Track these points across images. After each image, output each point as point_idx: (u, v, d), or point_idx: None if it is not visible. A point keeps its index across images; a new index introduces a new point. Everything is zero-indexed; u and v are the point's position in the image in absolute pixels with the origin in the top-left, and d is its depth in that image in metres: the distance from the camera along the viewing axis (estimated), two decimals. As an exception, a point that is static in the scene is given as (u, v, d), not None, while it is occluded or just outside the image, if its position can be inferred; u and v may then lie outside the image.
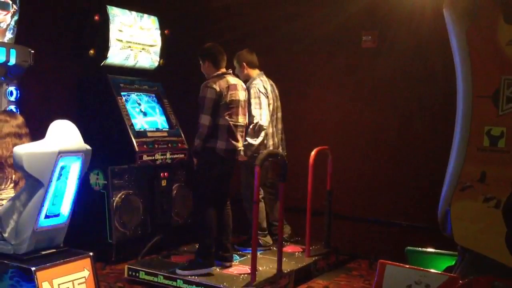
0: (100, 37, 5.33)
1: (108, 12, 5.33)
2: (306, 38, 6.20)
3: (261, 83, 5.32)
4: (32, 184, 3.48)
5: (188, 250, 5.32)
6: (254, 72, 5.41)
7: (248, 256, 4.78)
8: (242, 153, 4.91)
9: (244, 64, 5.37)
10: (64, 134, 3.58)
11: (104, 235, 5.22)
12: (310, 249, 5.27)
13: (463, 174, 3.68)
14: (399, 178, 5.74)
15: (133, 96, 5.62)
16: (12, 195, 3.72)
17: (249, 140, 5.08)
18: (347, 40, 6.05)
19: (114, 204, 5.24)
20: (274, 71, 5.75)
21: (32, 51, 4.45)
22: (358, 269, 5.54)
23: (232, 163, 4.81)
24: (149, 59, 5.81)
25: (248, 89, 5.11)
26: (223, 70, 4.79)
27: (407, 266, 3.59)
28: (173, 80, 6.27)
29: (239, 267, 4.80)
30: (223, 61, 4.82)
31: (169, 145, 5.64)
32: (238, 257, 5.07)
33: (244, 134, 4.91)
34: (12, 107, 4.41)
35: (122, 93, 5.46)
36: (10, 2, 4.35)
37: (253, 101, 5.14)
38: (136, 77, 5.74)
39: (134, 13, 5.61)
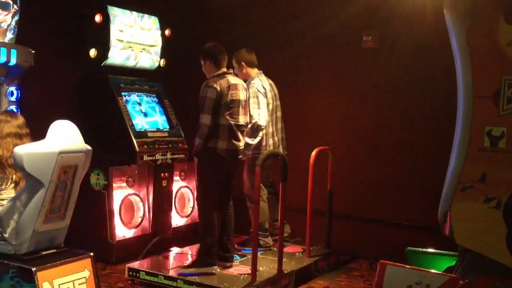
0: (100, 37, 5.34)
1: (108, 12, 5.33)
2: (306, 38, 6.20)
3: (260, 82, 5.32)
4: (33, 184, 3.48)
5: (189, 250, 5.31)
6: (253, 72, 5.41)
7: (249, 256, 4.78)
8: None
9: (243, 63, 5.37)
10: (64, 134, 3.58)
11: (104, 236, 5.22)
12: (310, 249, 5.28)
13: (463, 175, 3.68)
14: (400, 178, 5.74)
15: (134, 96, 5.62)
16: (13, 195, 3.72)
17: (247, 139, 5.09)
18: (347, 40, 6.05)
19: (115, 204, 5.24)
20: (274, 71, 5.75)
21: (33, 52, 4.46)
22: (359, 269, 5.54)
23: (234, 164, 4.81)
24: (150, 59, 5.81)
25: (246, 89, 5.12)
26: (224, 69, 4.80)
27: (408, 266, 3.59)
28: (174, 80, 6.27)
29: (239, 267, 4.80)
30: (224, 60, 4.82)
31: (170, 145, 5.64)
32: (238, 257, 5.07)
33: (245, 133, 4.91)
34: (13, 107, 4.42)
35: (122, 93, 5.46)
36: (11, 2, 4.36)
37: (251, 100, 5.14)
38: (136, 77, 5.74)
39: (134, 13, 5.61)
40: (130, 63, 5.62)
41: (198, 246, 5.10)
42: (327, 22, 5.92)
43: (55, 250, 3.71)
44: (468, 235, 3.66)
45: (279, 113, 5.55)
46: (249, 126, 5.11)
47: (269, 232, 5.42)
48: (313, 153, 5.25)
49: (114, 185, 5.24)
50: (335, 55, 6.13)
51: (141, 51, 5.69)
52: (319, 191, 5.32)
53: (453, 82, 3.85)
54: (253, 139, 5.14)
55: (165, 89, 5.99)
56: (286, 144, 5.64)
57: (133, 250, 5.28)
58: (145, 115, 5.64)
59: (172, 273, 4.63)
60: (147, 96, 5.79)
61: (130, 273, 4.77)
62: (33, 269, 3.40)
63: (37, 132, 3.77)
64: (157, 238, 5.48)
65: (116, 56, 5.44)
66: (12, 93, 4.43)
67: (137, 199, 5.45)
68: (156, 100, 5.88)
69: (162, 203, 5.67)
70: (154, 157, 5.43)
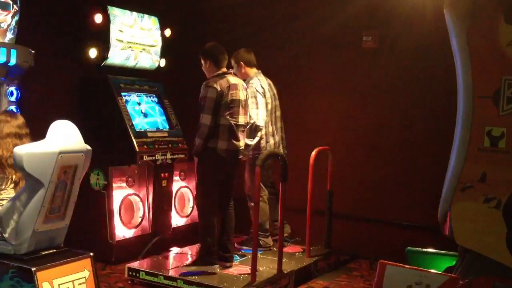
0: (100, 37, 5.34)
1: (108, 12, 5.34)
2: (306, 38, 6.20)
3: (259, 82, 5.32)
4: (33, 184, 3.48)
5: (189, 250, 5.31)
6: (252, 71, 5.41)
7: (249, 256, 4.78)
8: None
9: (242, 63, 5.37)
10: (64, 135, 3.58)
11: (104, 235, 5.22)
12: (310, 249, 5.27)
13: (463, 175, 3.68)
14: (400, 178, 5.74)
15: (134, 96, 5.62)
16: (13, 195, 3.72)
17: (246, 140, 5.08)
18: (347, 40, 6.05)
19: (115, 204, 5.24)
20: (274, 71, 5.75)
21: (33, 52, 4.46)
22: (359, 269, 5.54)
23: (234, 164, 4.81)
24: (150, 59, 5.81)
25: None
26: (224, 69, 4.80)
27: (408, 266, 3.59)
28: (174, 80, 6.27)
29: (239, 267, 4.80)
30: (224, 60, 4.83)
31: (170, 145, 5.64)
32: (238, 257, 5.07)
33: (245, 133, 4.91)
34: (13, 107, 4.42)
35: (122, 94, 5.46)
36: (11, 3, 4.36)
37: (249, 100, 5.13)
38: (136, 78, 5.74)
39: (134, 13, 5.61)
40: (130, 63, 5.62)
41: (198, 246, 5.11)
42: (327, 22, 5.92)
43: (55, 250, 3.71)
44: (468, 235, 3.66)
45: (278, 113, 5.55)
46: (247, 126, 5.11)
47: (269, 233, 5.42)
48: (313, 153, 5.25)
49: (114, 185, 5.24)
50: (335, 55, 6.13)
51: (141, 51, 5.69)
52: (319, 191, 5.32)
53: (453, 82, 3.85)
54: (251, 139, 5.14)
55: (165, 89, 5.99)
56: (286, 143, 5.64)
57: (133, 250, 5.28)
58: (145, 115, 5.64)
59: (172, 273, 4.63)
60: (147, 96, 5.79)
61: (130, 273, 4.77)
62: (33, 269, 3.40)
63: (37, 132, 3.78)
64: (157, 238, 5.48)
65: (116, 56, 5.44)
66: (12, 93, 4.43)
67: (137, 199, 5.45)
68: (156, 100, 5.88)
69: (162, 203, 5.67)
70: (154, 157, 5.43)
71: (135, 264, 4.87)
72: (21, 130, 3.86)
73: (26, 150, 3.43)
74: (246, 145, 5.06)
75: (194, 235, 5.49)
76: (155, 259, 5.08)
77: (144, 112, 5.64)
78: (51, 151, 3.47)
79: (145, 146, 5.35)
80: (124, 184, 5.34)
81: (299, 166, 5.46)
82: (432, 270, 3.56)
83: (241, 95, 4.78)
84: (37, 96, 5.06)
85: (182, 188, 5.96)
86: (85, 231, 5.07)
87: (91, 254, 3.76)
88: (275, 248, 5.11)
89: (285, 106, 5.71)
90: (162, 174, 5.63)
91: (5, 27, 4.34)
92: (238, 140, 4.73)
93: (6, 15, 4.32)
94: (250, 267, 4.43)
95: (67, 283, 3.55)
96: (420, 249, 4.29)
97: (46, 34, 5.22)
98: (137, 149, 5.27)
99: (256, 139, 5.18)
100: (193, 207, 5.98)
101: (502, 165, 3.60)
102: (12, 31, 4.38)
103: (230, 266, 4.80)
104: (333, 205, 5.50)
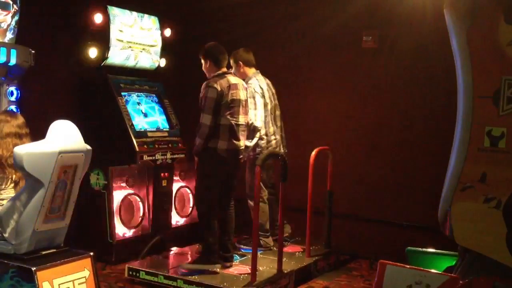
0: (100, 37, 5.34)
1: (108, 12, 5.34)
2: (306, 38, 6.20)
3: (257, 82, 5.31)
4: (33, 184, 3.48)
5: (189, 250, 5.31)
6: (250, 71, 5.40)
7: (249, 256, 4.77)
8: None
9: (241, 63, 5.36)
10: (64, 134, 3.58)
11: (104, 235, 5.22)
12: (310, 249, 5.27)
13: (463, 175, 3.68)
14: (400, 178, 5.74)
15: (134, 96, 5.63)
16: (13, 195, 3.72)
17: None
18: (347, 40, 6.05)
19: (115, 204, 5.24)
20: (274, 71, 5.75)
21: (33, 51, 4.46)
22: (359, 269, 5.54)
23: (234, 163, 4.81)
24: (150, 59, 5.82)
25: None
26: (224, 69, 4.80)
27: (408, 266, 3.59)
28: (174, 80, 6.27)
29: (239, 267, 4.80)
30: (224, 60, 4.82)
31: (170, 145, 5.64)
32: (238, 257, 5.07)
33: (245, 133, 4.91)
34: (13, 107, 4.42)
35: (122, 93, 5.47)
36: (11, 2, 4.36)
37: (248, 101, 5.12)
38: (136, 77, 5.74)
39: (134, 13, 5.61)
40: (130, 63, 5.62)
41: (199, 246, 5.11)
42: (327, 22, 5.92)
43: (55, 250, 3.71)
44: (468, 235, 3.66)
45: (278, 112, 5.54)
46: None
47: (270, 233, 5.42)
48: (313, 153, 5.25)
49: (114, 185, 5.24)
50: (335, 55, 6.13)
51: (141, 51, 5.69)
52: (319, 191, 5.32)
53: (453, 82, 3.85)
54: (250, 140, 5.12)
55: (165, 89, 5.99)
56: (286, 143, 5.63)
57: (133, 250, 5.28)
58: (145, 115, 5.64)
59: (172, 273, 4.62)
60: (147, 96, 5.80)
61: (130, 272, 4.77)
62: (33, 268, 3.40)
63: (37, 132, 3.78)
64: (157, 238, 5.48)
65: (116, 56, 5.44)
66: (12, 93, 4.43)
67: (137, 199, 5.45)
68: (156, 100, 5.89)
69: (162, 203, 5.67)
70: (154, 157, 5.43)
71: (135, 264, 4.87)
72: (21, 130, 3.86)
73: (26, 150, 3.43)
74: (245, 146, 5.06)
75: (194, 235, 5.49)
76: (155, 259, 5.08)
77: (144, 112, 5.64)
78: (51, 151, 3.47)
79: (145, 146, 5.36)
80: (124, 184, 5.34)
81: (299, 166, 5.46)
82: (432, 270, 3.55)
83: (242, 95, 4.78)
84: (37, 96, 5.07)
85: (182, 188, 5.96)
86: (85, 231, 5.07)
87: (91, 253, 3.76)
88: (275, 248, 5.11)
89: (285, 106, 5.71)
90: (162, 174, 5.63)
91: (5, 27, 4.34)
92: (238, 140, 4.73)
93: (6, 15, 4.33)
94: (250, 267, 4.43)
95: (67, 282, 3.55)
96: (420, 249, 4.29)
97: (46, 34, 5.22)
98: (137, 149, 5.27)
99: (255, 140, 5.18)
100: (193, 207, 5.98)
101: (502, 165, 3.60)
102: (12, 31, 4.39)
103: (230, 266, 4.80)
104: (333, 205, 5.50)
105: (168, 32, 5.99)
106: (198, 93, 4.69)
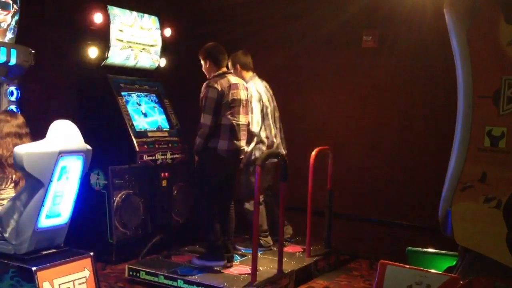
0: (100, 37, 5.33)
1: (108, 12, 5.33)
2: (306, 38, 6.20)
3: (254, 86, 5.28)
4: (33, 184, 3.48)
5: (189, 250, 5.31)
6: (248, 75, 5.37)
7: (249, 256, 4.77)
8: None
9: (238, 66, 5.33)
10: (64, 134, 3.58)
11: (104, 235, 5.22)
12: (310, 249, 5.27)
13: (463, 175, 3.68)
14: (400, 178, 5.74)
15: (134, 96, 5.62)
16: (13, 195, 3.72)
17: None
18: (347, 40, 6.05)
19: (115, 204, 5.24)
20: (274, 71, 5.75)
21: (33, 51, 4.46)
22: (359, 269, 5.54)
23: (235, 164, 4.81)
24: (150, 59, 5.81)
25: None
26: (224, 69, 4.80)
27: (408, 266, 3.59)
28: (174, 80, 6.26)
29: (239, 267, 4.80)
30: (224, 60, 4.83)
31: (170, 145, 5.64)
32: (238, 257, 5.07)
33: (246, 133, 4.90)
34: (13, 107, 4.42)
35: (122, 93, 5.46)
36: (11, 2, 4.35)
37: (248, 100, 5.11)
38: (136, 77, 5.74)
39: (134, 13, 5.61)
40: (130, 63, 5.62)
41: (199, 246, 5.11)
42: (327, 22, 5.92)
43: (55, 250, 3.71)
44: (468, 235, 3.66)
45: (277, 114, 5.53)
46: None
47: (268, 232, 5.41)
48: (313, 153, 5.25)
49: (113, 185, 5.24)
50: (335, 55, 6.12)
51: (141, 51, 5.69)
52: (319, 191, 5.32)
53: (453, 82, 3.85)
54: (247, 145, 5.09)
55: (165, 89, 5.99)
56: (286, 144, 5.63)
57: (133, 250, 5.28)
58: (145, 115, 5.64)
59: (172, 273, 4.62)
60: (147, 96, 5.79)
61: (130, 273, 4.77)
62: (33, 268, 3.40)
63: (37, 132, 3.78)
64: (157, 238, 5.48)
65: (116, 56, 5.43)
66: (12, 93, 4.43)
67: (137, 199, 5.45)
68: (156, 100, 5.88)
69: (162, 203, 5.67)
70: (154, 157, 5.43)
71: (135, 264, 4.87)
72: (21, 130, 3.86)
73: (26, 149, 3.43)
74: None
75: (194, 235, 5.49)
76: (155, 259, 5.08)
77: (144, 112, 5.64)
78: (51, 151, 3.47)
79: (145, 146, 5.35)
80: (124, 184, 5.34)
81: (299, 166, 5.46)
82: (433, 270, 3.55)
83: (242, 95, 4.78)
84: (37, 96, 5.07)
85: (182, 188, 5.96)
86: (85, 231, 5.06)
87: (91, 253, 3.77)
88: (275, 248, 5.10)
89: (285, 106, 5.71)
90: (162, 174, 5.63)
91: (5, 26, 4.33)
92: (239, 140, 4.73)
93: (6, 14, 4.32)
94: (251, 267, 4.43)
95: (67, 282, 3.55)
96: (420, 249, 4.29)
97: (46, 34, 5.22)
98: (137, 148, 5.27)
99: (252, 144, 5.16)
100: (193, 207, 5.97)
101: (502, 165, 3.60)
102: (12, 31, 4.38)
103: (231, 266, 4.80)
104: (333, 205, 5.49)
105: (168, 32, 5.99)
106: (198, 93, 4.69)
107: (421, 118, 5.68)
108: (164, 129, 5.74)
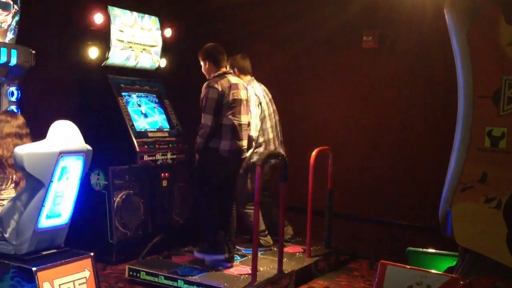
0: (101, 37, 5.34)
1: (109, 12, 5.33)
2: (306, 38, 6.20)
3: (252, 90, 5.26)
4: (33, 184, 3.48)
5: (189, 250, 5.31)
6: (245, 79, 5.35)
7: (249, 256, 4.78)
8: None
9: (236, 70, 5.31)
10: (65, 135, 3.58)
11: (105, 236, 5.23)
12: (310, 249, 5.27)
13: (464, 175, 3.68)
14: (400, 178, 5.74)
15: (134, 96, 5.63)
16: (13, 195, 3.72)
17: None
18: (347, 40, 6.05)
19: (115, 204, 5.24)
20: (274, 71, 5.75)
21: (33, 52, 4.46)
22: (359, 269, 5.54)
23: (237, 164, 4.81)
24: (150, 59, 5.81)
25: None
26: (224, 69, 4.80)
27: (408, 266, 3.59)
28: (174, 80, 6.27)
29: (240, 268, 4.81)
30: (224, 61, 4.83)
31: (170, 145, 5.64)
32: (239, 258, 5.07)
33: (248, 133, 4.90)
34: (13, 107, 4.42)
35: (123, 94, 5.47)
36: (11, 3, 4.36)
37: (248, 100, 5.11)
38: (137, 78, 5.74)
39: (135, 13, 5.61)
40: (131, 63, 5.62)
41: (199, 245, 5.11)
42: (327, 22, 5.92)
43: (55, 250, 3.71)
44: (469, 235, 3.67)
45: (277, 117, 5.53)
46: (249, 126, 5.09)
47: (267, 231, 5.41)
48: (313, 153, 5.25)
49: (114, 185, 5.24)
50: (335, 55, 6.13)
51: (142, 51, 5.69)
52: (319, 191, 5.32)
53: (453, 82, 3.85)
54: (246, 150, 5.07)
55: (165, 89, 5.99)
56: (285, 147, 5.61)
57: (133, 250, 5.28)
58: (145, 115, 5.64)
59: (172, 273, 4.62)
60: (147, 96, 5.80)
61: (131, 273, 4.77)
62: (34, 269, 3.40)
63: (37, 132, 3.78)
64: (158, 238, 5.48)
65: (117, 56, 5.44)
66: (12, 93, 4.43)
67: (137, 199, 5.45)
68: (156, 100, 5.88)
69: (162, 203, 5.67)
70: (154, 157, 5.43)
71: (135, 264, 4.87)
72: (21, 130, 3.86)
73: (26, 150, 3.43)
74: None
75: (195, 235, 5.49)
76: (156, 259, 5.08)
77: (144, 112, 5.64)
78: (52, 151, 3.47)
79: (145, 146, 5.35)
80: (124, 184, 5.34)
81: (299, 166, 5.46)
82: (433, 271, 3.56)
83: (242, 95, 4.79)
84: (37, 96, 5.06)
85: (182, 188, 5.96)
86: (85, 231, 5.06)
87: (92, 254, 3.77)
88: (275, 248, 5.10)
89: (285, 106, 5.70)
90: (162, 174, 5.63)
91: (5, 27, 4.34)
92: (241, 139, 4.74)
93: (7, 15, 4.33)
94: (251, 267, 4.43)
95: (67, 283, 3.55)
96: (420, 249, 4.30)
97: (47, 34, 5.22)
98: (137, 149, 5.27)
99: (251, 150, 5.16)
100: (193, 207, 5.98)
101: (503, 165, 3.60)
102: (12, 31, 4.38)
103: (231, 266, 4.80)
104: (333, 205, 5.50)
105: (168, 32, 5.99)
106: (198, 93, 4.69)
107: (421, 118, 5.68)
108: (165, 130, 5.74)
